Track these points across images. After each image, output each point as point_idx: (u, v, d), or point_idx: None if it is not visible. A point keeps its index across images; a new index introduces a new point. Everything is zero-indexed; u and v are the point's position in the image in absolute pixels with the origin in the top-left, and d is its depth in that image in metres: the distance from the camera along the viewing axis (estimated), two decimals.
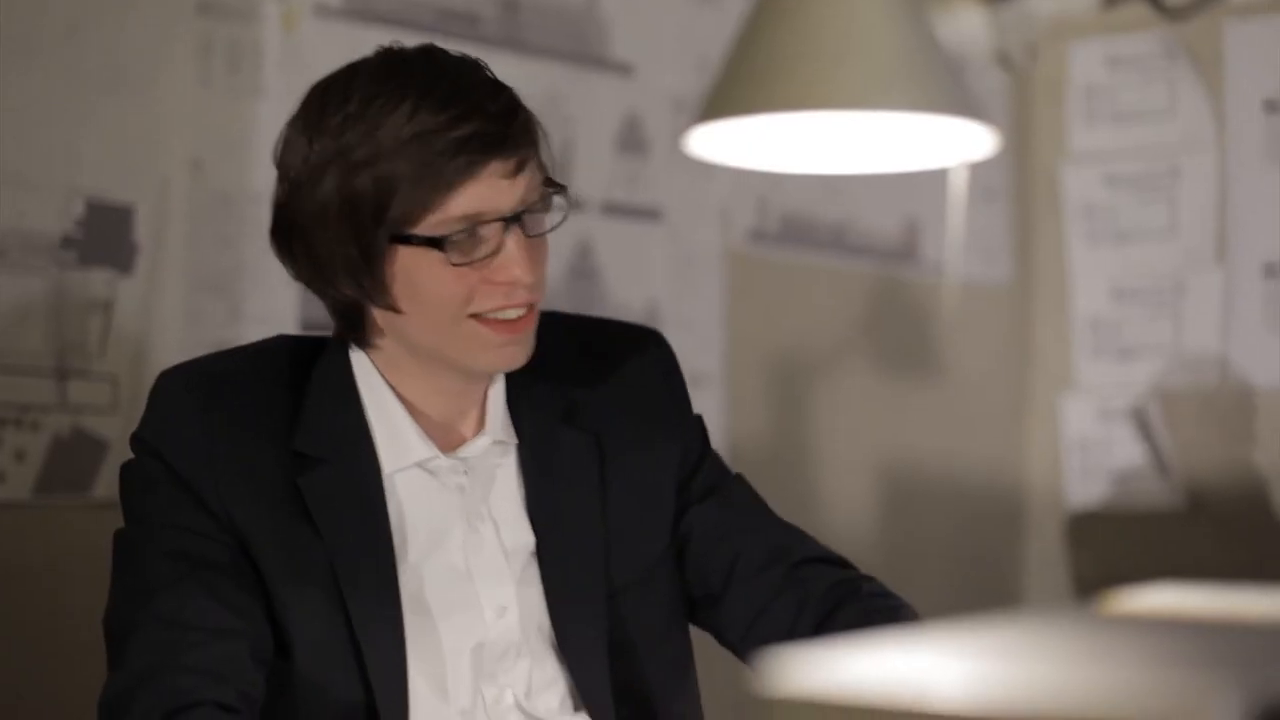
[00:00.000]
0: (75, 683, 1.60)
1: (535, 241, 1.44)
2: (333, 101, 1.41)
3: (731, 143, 1.25)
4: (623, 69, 2.56)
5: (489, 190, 1.39)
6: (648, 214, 2.60)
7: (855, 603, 1.51)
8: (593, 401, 1.56)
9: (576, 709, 1.50)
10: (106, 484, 1.91)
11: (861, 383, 3.00)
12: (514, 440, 1.52)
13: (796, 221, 2.87)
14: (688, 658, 1.60)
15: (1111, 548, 3.33)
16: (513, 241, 1.40)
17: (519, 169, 1.40)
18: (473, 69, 1.44)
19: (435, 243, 1.39)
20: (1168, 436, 3.27)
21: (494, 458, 1.51)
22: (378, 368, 1.48)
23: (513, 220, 1.40)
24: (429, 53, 1.45)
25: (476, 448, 1.49)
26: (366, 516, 1.45)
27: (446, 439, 1.50)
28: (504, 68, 1.49)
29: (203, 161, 2.04)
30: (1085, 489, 3.35)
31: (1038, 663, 0.63)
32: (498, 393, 1.52)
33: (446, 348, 1.45)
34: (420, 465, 1.48)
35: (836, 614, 1.50)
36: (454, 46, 1.47)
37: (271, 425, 1.46)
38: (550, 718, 1.48)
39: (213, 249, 2.05)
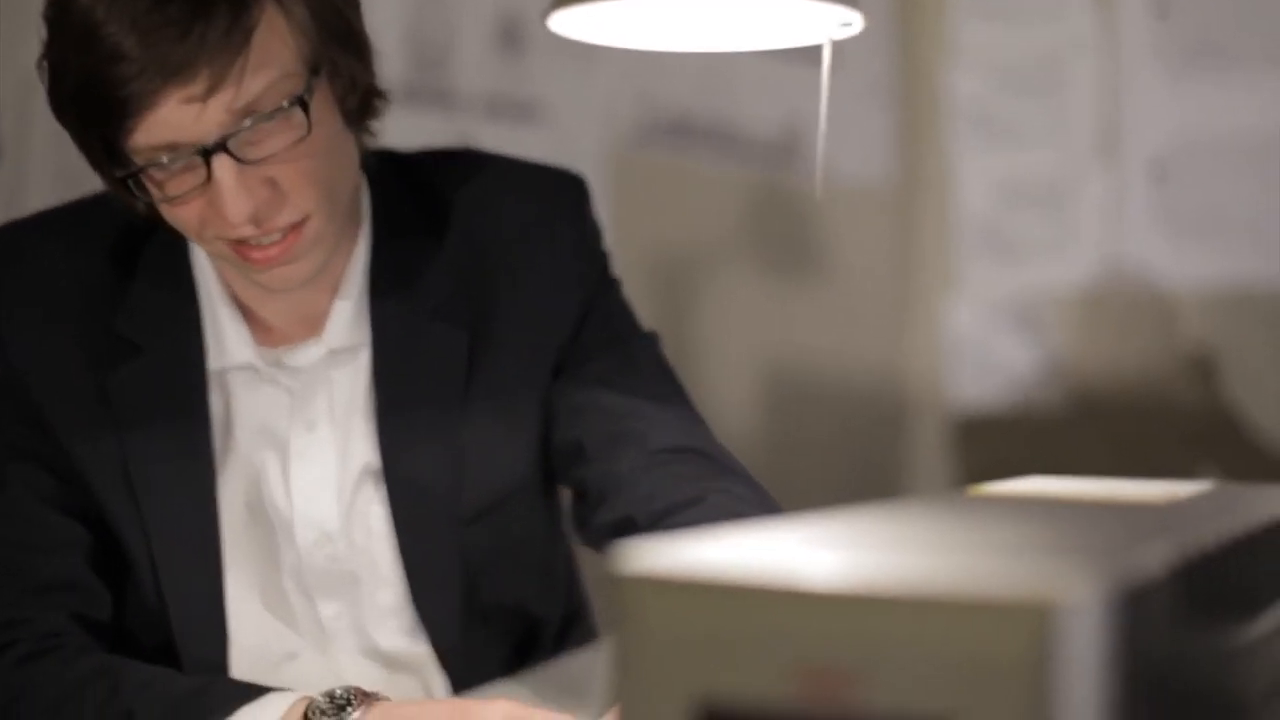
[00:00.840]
0: None
1: (280, 160, 1.20)
2: None
3: (598, 25, 1.22)
4: None
5: (174, 117, 1.16)
6: (528, 114, 2.56)
7: (710, 499, 1.27)
8: (478, 272, 1.38)
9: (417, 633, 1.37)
10: None
11: (745, 285, 2.99)
12: (365, 342, 1.35)
13: (680, 124, 2.85)
14: (560, 564, 1.50)
15: (996, 450, 3.36)
16: (222, 171, 1.17)
17: (212, 90, 1.15)
18: None
19: (127, 177, 1.20)
20: (1055, 338, 3.29)
21: (332, 366, 1.35)
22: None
23: (214, 150, 1.17)
24: None
25: (305, 355, 1.34)
26: (181, 416, 1.32)
27: (281, 337, 1.36)
28: None
29: None
30: (970, 391, 3.38)
31: (901, 545, 0.62)
32: (352, 286, 1.35)
33: (219, 264, 1.32)
34: (249, 365, 1.34)
35: (685, 511, 1.26)
36: None
37: (86, 301, 1.33)
38: (389, 645, 1.37)
39: None
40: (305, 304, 1.35)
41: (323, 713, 1.15)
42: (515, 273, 1.40)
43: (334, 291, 1.35)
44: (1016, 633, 0.52)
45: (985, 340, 3.37)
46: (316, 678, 1.35)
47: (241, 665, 1.34)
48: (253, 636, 1.35)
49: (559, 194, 1.44)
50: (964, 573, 0.55)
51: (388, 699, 1.18)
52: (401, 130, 1.45)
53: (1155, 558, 0.59)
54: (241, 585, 1.34)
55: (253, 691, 1.19)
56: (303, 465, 1.35)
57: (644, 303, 1.55)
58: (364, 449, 1.35)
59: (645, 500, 1.29)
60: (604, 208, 1.57)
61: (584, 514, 1.37)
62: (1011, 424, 3.35)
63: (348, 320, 1.35)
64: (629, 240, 2.70)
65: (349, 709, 1.15)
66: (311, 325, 1.36)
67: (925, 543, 0.63)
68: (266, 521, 1.34)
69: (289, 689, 1.19)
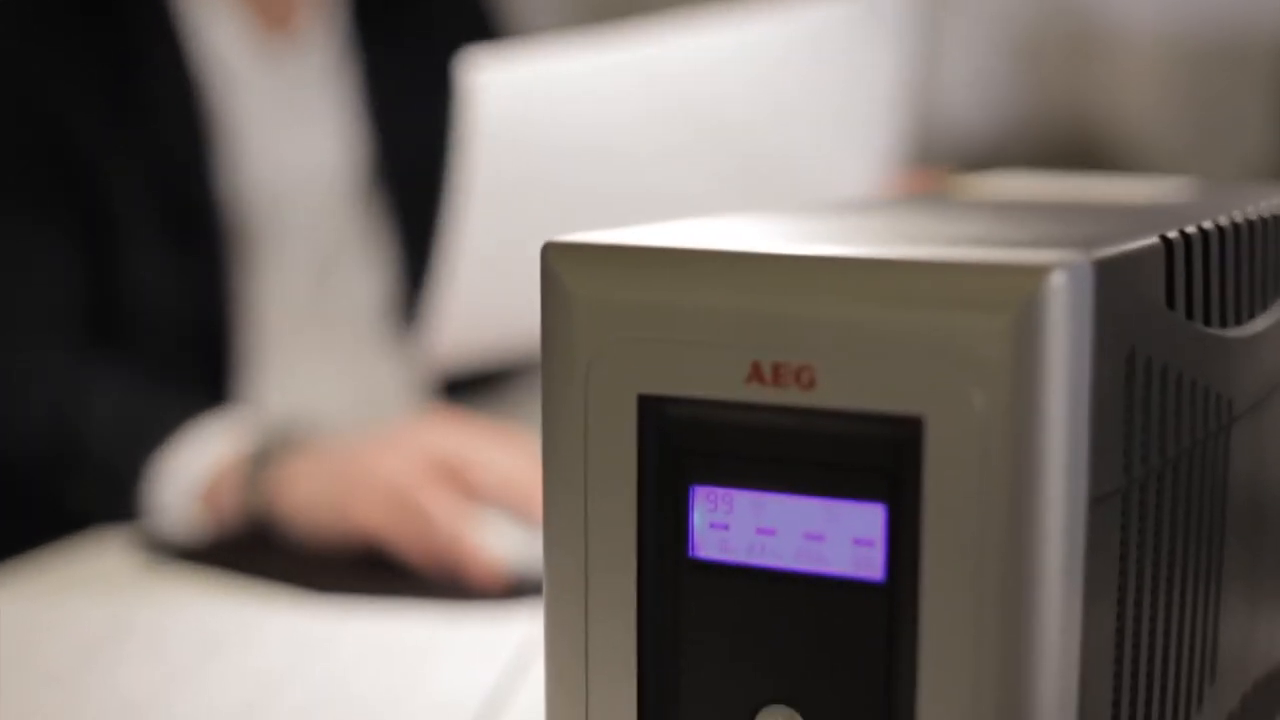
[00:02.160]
0: None
1: None
2: None
3: None
4: None
5: None
6: None
7: None
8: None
9: None
10: None
11: None
12: (354, 41, 1.44)
13: None
14: None
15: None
16: None
17: None
18: None
19: None
20: (1022, 86, 3.22)
21: (326, 55, 1.42)
22: None
23: None
24: None
25: (303, 37, 1.41)
26: (186, 110, 1.35)
27: (275, 23, 1.41)
28: None
29: None
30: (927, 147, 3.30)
31: (872, 234, 0.57)
32: None
33: None
34: (243, 54, 1.39)
35: None
36: None
37: (72, 43, 1.34)
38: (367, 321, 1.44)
39: None
40: None
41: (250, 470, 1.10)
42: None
43: None
44: (999, 305, 0.46)
45: (942, 92, 3.29)
46: None
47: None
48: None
49: None
50: (940, 248, 0.49)
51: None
52: None
53: (1143, 238, 0.53)
54: (251, 279, 1.40)
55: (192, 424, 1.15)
56: (303, 144, 1.40)
57: None
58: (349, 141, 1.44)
59: None
60: None
61: None
62: (968, 164, 3.28)
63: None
64: None
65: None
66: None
67: (898, 232, 0.57)
68: (260, 215, 1.39)
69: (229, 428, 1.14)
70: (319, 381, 1.42)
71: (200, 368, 1.36)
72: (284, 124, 1.40)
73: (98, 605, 0.96)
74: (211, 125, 1.36)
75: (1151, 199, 0.73)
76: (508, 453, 1.03)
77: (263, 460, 1.08)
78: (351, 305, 1.45)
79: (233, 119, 1.38)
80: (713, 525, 0.51)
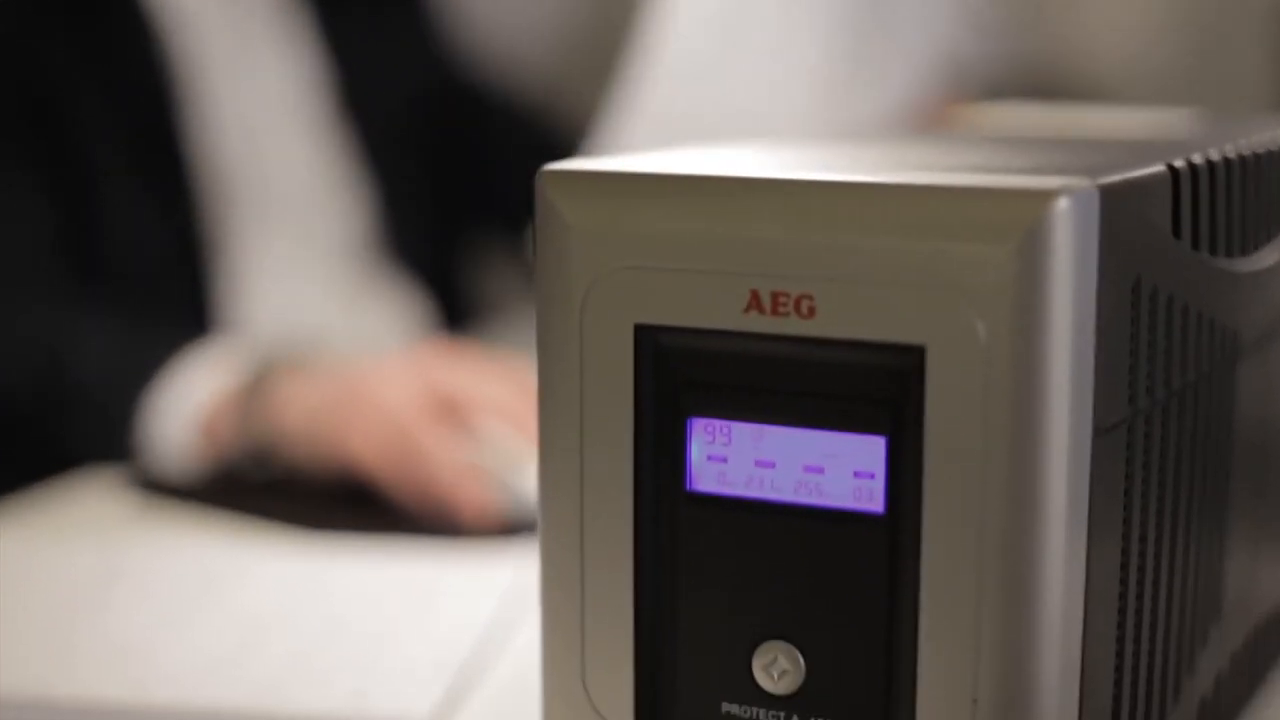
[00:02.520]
0: None
1: None
2: None
3: None
4: None
5: None
6: None
7: None
8: None
9: None
10: None
11: None
12: None
13: None
14: None
15: None
16: None
17: None
18: None
19: None
20: (1016, 19, 3.19)
21: None
22: None
23: None
24: None
25: None
26: (149, 53, 1.33)
27: None
28: None
29: None
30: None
31: (885, 155, 0.55)
32: None
33: None
34: None
35: None
36: None
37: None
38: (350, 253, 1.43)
39: None
40: None
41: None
42: None
43: None
44: (1003, 232, 0.45)
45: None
46: None
47: None
48: None
49: None
50: (943, 175, 0.48)
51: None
52: None
53: (1149, 166, 0.52)
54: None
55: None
56: (266, 77, 1.39)
57: None
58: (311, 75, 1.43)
59: None
60: None
61: None
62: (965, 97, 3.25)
63: None
64: None
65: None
66: None
67: (900, 159, 0.56)
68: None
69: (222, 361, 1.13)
70: (305, 315, 1.41)
71: (185, 307, 1.34)
72: (246, 58, 1.38)
73: (89, 547, 0.95)
74: (176, 65, 1.34)
75: (1157, 129, 0.72)
76: (505, 387, 1.02)
77: (259, 388, 1.07)
78: (331, 237, 1.44)
79: (196, 57, 1.36)
80: (710, 458, 0.50)
